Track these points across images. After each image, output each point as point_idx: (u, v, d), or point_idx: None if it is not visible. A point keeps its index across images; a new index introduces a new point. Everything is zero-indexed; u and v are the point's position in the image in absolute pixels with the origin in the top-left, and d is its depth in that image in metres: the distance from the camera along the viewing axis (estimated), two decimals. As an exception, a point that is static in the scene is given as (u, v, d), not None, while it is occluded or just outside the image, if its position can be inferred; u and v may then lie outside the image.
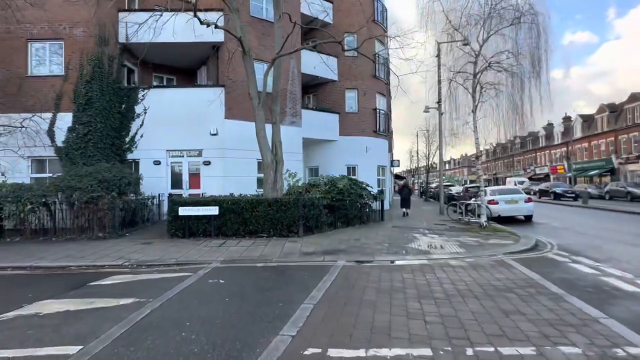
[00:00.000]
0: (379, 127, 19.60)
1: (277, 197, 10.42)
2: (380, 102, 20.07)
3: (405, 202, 17.36)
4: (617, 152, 38.37)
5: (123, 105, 13.58)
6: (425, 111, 18.03)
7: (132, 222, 11.29)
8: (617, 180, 35.53)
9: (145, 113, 13.58)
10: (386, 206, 20.08)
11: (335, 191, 12.08)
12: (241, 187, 12.71)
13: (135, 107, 13.63)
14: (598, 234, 10.33)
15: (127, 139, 13.54)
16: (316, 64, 17.38)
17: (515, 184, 38.86)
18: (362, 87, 18.94)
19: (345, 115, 18.78)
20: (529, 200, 14.42)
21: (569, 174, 44.27)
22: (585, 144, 43.87)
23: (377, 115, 19.46)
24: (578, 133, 44.86)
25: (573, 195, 29.03)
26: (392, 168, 32.88)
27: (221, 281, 5.41)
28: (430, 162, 33.63)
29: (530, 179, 51.34)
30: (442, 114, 17.49)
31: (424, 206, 23.99)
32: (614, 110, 39.01)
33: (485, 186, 23.44)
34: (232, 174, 13.55)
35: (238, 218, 9.91)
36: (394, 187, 44.56)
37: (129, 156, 13.57)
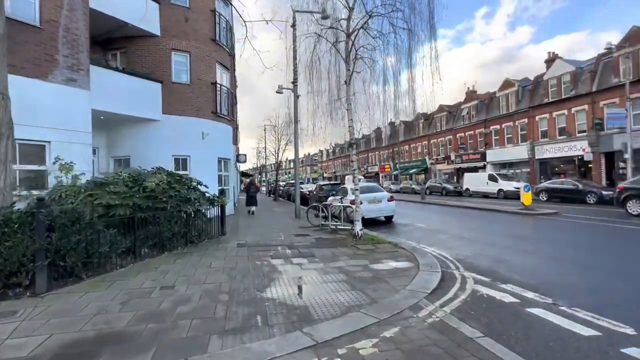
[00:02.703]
0: (221, 107, 15.10)
1: (-12, 210, 4.76)
2: (222, 77, 15.59)
3: (251, 200, 16.58)
4: (429, 154, 45.35)
5: None
6: (278, 92, 14.63)
7: None
8: (430, 178, 41.88)
9: None
10: (230, 210, 15.85)
11: (141, 194, 7.17)
12: None
13: None
14: (477, 238, 9.02)
15: None
16: (121, 2, 11.60)
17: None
18: (198, 52, 14.05)
19: (173, 86, 13.49)
20: (392, 199, 12.90)
21: (395, 172, 50.28)
22: (407, 147, 50.62)
23: (219, 92, 14.92)
24: (401, 136, 51.35)
25: None
26: (238, 164, 28.67)
27: None
28: (279, 159, 30.96)
29: (364, 176, 56.33)
30: (298, 96, 14.50)
31: (275, 207, 20.83)
32: (427, 118, 45.89)
33: (332, 185, 22.14)
34: None
35: None
36: (242, 186, 40.50)
37: None
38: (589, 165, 25.31)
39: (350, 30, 8.21)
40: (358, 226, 8.44)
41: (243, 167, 59.46)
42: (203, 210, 8.69)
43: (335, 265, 6.03)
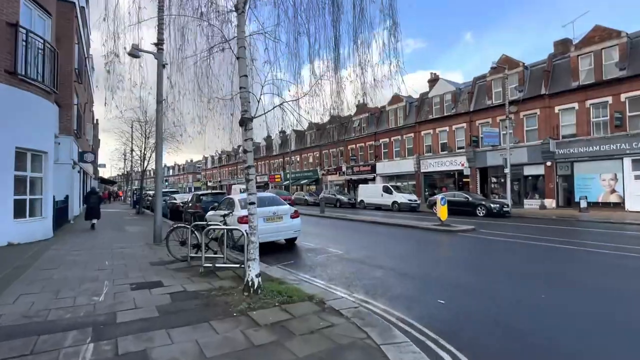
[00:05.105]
0: (27, 67, 9.33)
1: None
2: (35, 22, 9.84)
3: (92, 212, 13.54)
4: (321, 165, 44.20)
5: None
6: (131, 54, 9.69)
7: None
8: (323, 189, 40.44)
9: None
10: (45, 233, 9.76)
11: None
12: None
13: None
14: (427, 274, 6.32)
15: None
16: None
17: (241, 191, 36.45)
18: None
19: None
20: (296, 214, 9.49)
21: (286, 182, 47.58)
22: (298, 156, 48.67)
23: (23, 41, 9.16)
24: (293, 146, 49.22)
25: None
26: (82, 164, 21.22)
27: None
28: (147, 163, 24.26)
29: (253, 186, 51.99)
30: (164, 65, 9.94)
31: (131, 225, 15.04)
32: (319, 128, 44.77)
33: (214, 195, 17.79)
34: None
35: None
36: (104, 194, 34.92)
37: None
38: (466, 180, 27.03)
39: None
40: (254, 270, 4.66)
41: (107, 173, 48.32)
42: None
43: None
